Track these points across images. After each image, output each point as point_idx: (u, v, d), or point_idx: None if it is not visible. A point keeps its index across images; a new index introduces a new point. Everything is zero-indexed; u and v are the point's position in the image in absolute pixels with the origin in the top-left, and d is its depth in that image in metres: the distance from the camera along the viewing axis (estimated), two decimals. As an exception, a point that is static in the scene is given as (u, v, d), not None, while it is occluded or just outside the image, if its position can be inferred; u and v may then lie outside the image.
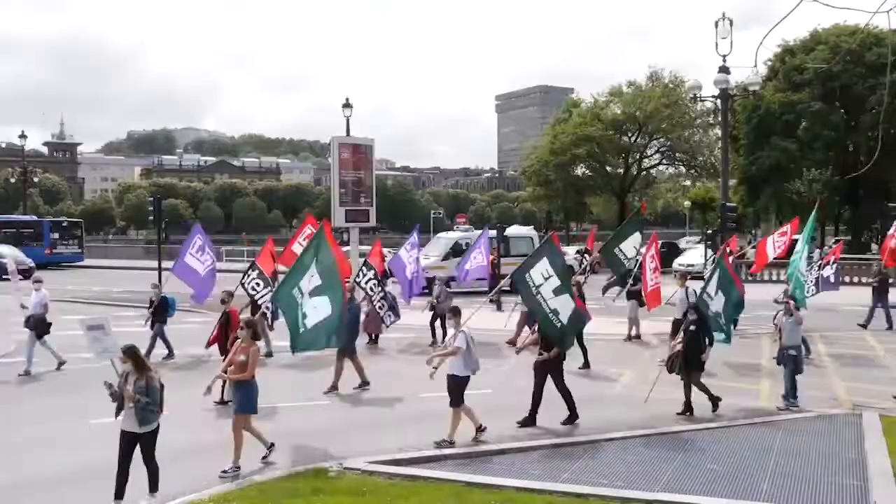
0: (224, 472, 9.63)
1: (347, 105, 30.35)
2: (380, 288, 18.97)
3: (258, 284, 17.88)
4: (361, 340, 17.61)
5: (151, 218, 32.00)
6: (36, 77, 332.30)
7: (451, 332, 11.72)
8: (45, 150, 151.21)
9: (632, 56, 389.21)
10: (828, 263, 22.29)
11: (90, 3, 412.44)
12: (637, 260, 19.32)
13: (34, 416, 12.84)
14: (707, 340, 12.98)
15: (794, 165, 48.49)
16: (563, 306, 12.15)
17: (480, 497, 8.80)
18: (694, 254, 41.66)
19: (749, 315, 23.78)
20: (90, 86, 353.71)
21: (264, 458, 10.16)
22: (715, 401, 12.98)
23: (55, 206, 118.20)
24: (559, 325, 12.06)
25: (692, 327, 12.90)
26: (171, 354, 17.64)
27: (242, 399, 9.99)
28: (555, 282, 12.17)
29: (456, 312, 11.79)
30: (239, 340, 10.30)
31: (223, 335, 14.07)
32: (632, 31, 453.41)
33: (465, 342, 11.08)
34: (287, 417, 12.48)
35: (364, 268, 19.13)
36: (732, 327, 14.90)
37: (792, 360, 13.29)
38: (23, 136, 53.23)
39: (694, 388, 12.98)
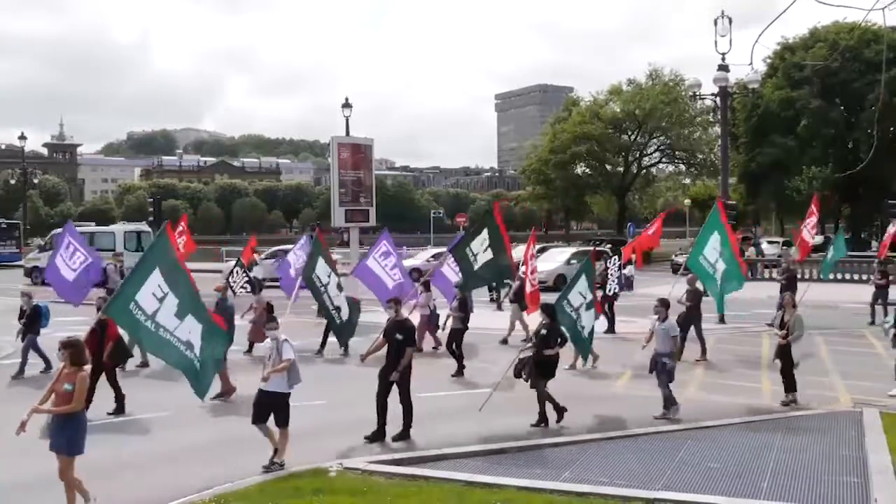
0: None
1: (347, 105, 30.40)
2: (249, 288, 18.08)
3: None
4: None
5: (152, 219, 32.03)
6: (35, 78, 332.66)
7: (268, 342, 10.25)
8: (44, 151, 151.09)
9: (631, 54, 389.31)
10: (628, 262, 22.50)
11: (89, 3, 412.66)
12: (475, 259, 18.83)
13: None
14: (560, 341, 12.41)
15: (794, 163, 48.50)
16: (340, 300, 13.05)
17: (481, 496, 8.79)
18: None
19: (749, 312, 23.88)
20: (89, 86, 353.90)
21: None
22: (560, 411, 12.16)
23: (55, 207, 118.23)
24: (339, 321, 12.86)
25: (543, 331, 12.27)
26: (48, 367, 15.70)
27: (71, 438, 8.15)
28: (335, 279, 12.68)
29: (272, 318, 10.89)
30: (61, 366, 8.45)
31: (96, 345, 12.32)
32: (631, 30, 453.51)
33: (293, 353, 10.00)
34: (304, 416, 12.44)
35: (238, 268, 18.46)
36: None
37: (664, 369, 12.63)
38: (22, 138, 53.34)
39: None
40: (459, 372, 16.02)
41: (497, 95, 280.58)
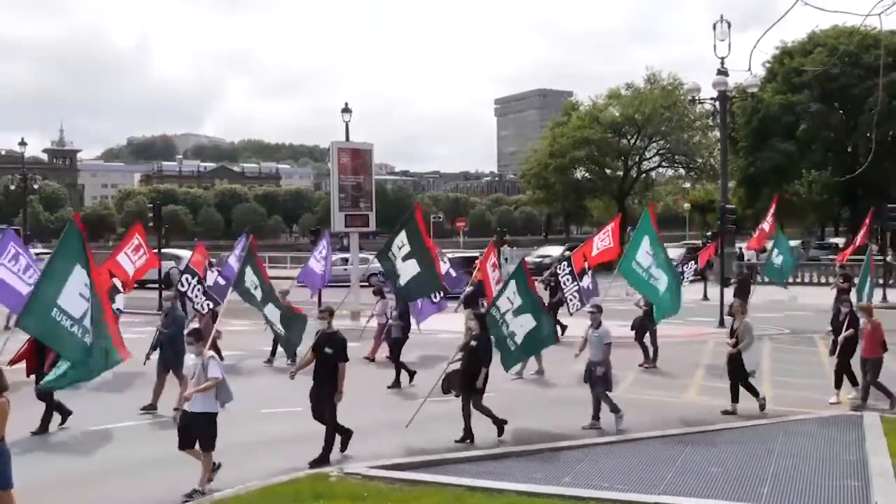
0: None
1: (347, 110, 30.41)
2: (204, 295, 17.17)
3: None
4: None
5: (151, 224, 32.01)
6: (35, 82, 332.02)
7: (191, 358, 9.62)
8: (44, 156, 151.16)
9: (631, 56, 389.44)
10: (582, 272, 20.08)
11: (88, 8, 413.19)
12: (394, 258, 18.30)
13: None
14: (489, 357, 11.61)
15: (794, 167, 48.53)
16: (272, 313, 12.25)
17: (482, 501, 8.80)
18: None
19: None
20: (89, 91, 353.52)
21: None
22: (500, 425, 11.58)
23: (55, 212, 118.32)
24: (281, 332, 12.11)
25: (473, 343, 11.56)
26: None
27: None
28: (263, 284, 12.27)
29: (198, 337, 9.83)
30: None
31: (36, 356, 12.07)
32: (631, 31, 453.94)
33: (220, 370, 9.40)
34: (286, 422, 12.45)
35: (188, 275, 17.41)
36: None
37: (600, 379, 12.14)
38: (22, 143, 53.25)
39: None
40: (397, 383, 15.33)
41: (497, 100, 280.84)
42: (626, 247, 15.66)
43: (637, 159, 65.02)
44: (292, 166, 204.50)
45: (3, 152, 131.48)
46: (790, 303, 28.47)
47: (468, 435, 11.36)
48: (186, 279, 17.21)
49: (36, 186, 64.96)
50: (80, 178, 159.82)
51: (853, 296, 14.68)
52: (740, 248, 44.13)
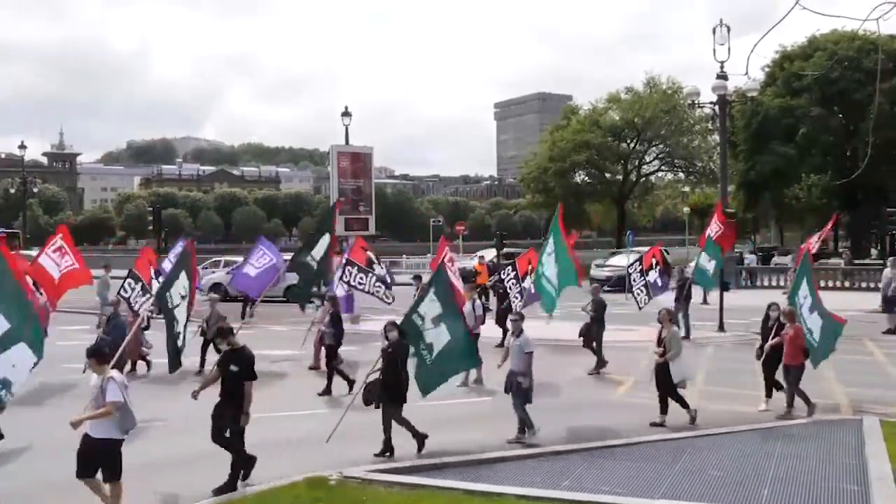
0: None
1: (346, 114, 30.43)
2: (144, 297, 16.54)
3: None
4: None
5: (151, 228, 32.07)
6: (35, 86, 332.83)
7: (92, 378, 8.66)
8: (44, 160, 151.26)
9: (631, 61, 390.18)
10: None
11: (89, 11, 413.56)
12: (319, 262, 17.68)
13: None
14: (404, 368, 10.97)
15: (793, 171, 48.54)
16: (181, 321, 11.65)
17: (480, 505, 8.79)
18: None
19: (747, 321, 23.85)
20: (89, 94, 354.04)
21: None
22: (421, 438, 11.05)
23: (55, 216, 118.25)
24: (180, 342, 11.11)
25: (390, 351, 11.01)
26: None
27: None
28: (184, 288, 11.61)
29: (101, 358, 8.65)
30: None
31: None
32: (631, 36, 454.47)
33: (121, 393, 8.39)
34: (285, 426, 12.45)
35: (131, 280, 16.90)
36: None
37: (519, 389, 11.59)
38: (22, 147, 53.30)
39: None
40: (328, 390, 14.87)
41: (496, 104, 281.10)
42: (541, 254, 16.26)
43: (637, 163, 65.14)
44: (292, 170, 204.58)
45: (3, 156, 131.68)
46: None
47: (387, 448, 10.89)
48: (129, 284, 16.62)
49: (35, 190, 64.99)
50: (79, 182, 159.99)
51: (783, 301, 14.21)
52: (740, 253, 44.17)
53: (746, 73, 15.51)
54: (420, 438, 11.04)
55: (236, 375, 9.59)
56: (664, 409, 12.62)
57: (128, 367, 16.09)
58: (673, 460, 10.61)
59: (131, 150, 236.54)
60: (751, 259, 43.29)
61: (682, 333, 21.27)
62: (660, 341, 12.80)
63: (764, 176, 50.05)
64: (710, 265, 20.09)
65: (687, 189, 71.62)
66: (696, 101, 31.74)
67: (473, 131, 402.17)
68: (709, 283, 20.20)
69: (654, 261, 21.21)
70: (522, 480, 9.69)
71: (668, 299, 20.51)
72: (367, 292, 18.58)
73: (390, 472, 9.98)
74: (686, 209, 74.72)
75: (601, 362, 17.20)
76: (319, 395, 14.82)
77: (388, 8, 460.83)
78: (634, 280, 20.61)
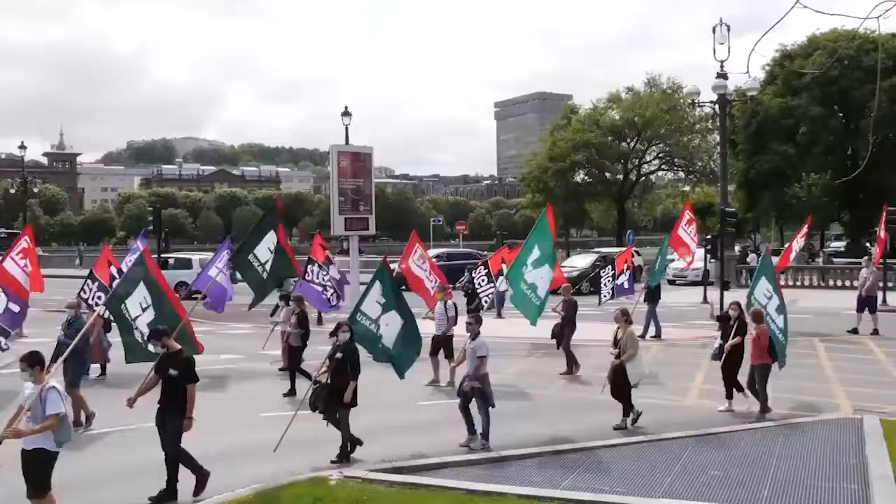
0: None
1: (346, 113, 30.46)
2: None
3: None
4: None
5: (151, 228, 32.04)
6: (35, 86, 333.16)
7: (29, 387, 8.05)
8: (44, 160, 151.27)
9: (631, 61, 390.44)
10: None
11: (89, 13, 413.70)
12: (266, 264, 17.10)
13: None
14: (353, 372, 10.68)
15: (793, 170, 48.51)
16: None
17: (481, 504, 8.79)
18: None
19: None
20: (89, 95, 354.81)
21: None
22: (354, 444, 10.82)
23: (55, 216, 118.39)
24: (141, 342, 10.43)
25: (339, 355, 10.68)
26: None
27: None
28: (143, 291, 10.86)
29: (32, 361, 8.05)
30: None
31: None
32: (631, 36, 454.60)
33: (62, 404, 7.90)
34: (285, 427, 12.43)
35: (90, 281, 16.50)
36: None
37: (478, 394, 11.20)
38: (22, 147, 53.31)
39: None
40: (292, 391, 14.58)
41: (496, 103, 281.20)
42: (518, 252, 14.65)
43: (637, 163, 65.17)
44: (292, 170, 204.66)
45: (4, 156, 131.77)
46: (789, 306, 28.42)
47: (345, 455, 10.69)
48: (87, 285, 16.24)
49: (36, 190, 65.05)
50: (80, 182, 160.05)
51: (743, 301, 14.08)
52: (742, 251, 44.12)
53: (747, 72, 15.51)
54: (354, 443, 10.77)
55: (176, 379, 9.24)
56: (626, 412, 12.37)
57: (97, 372, 15.91)
58: (673, 460, 10.61)
59: (131, 150, 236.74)
60: (752, 258, 43.25)
61: (653, 333, 21.39)
62: (616, 342, 12.49)
63: (764, 175, 50.02)
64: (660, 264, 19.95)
65: (687, 188, 71.60)
66: (696, 101, 31.79)
67: (474, 131, 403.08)
68: (656, 278, 20.04)
69: (625, 265, 21.50)
70: (523, 480, 9.70)
71: (629, 301, 20.44)
72: (326, 289, 18.31)
73: (391, 471, 9.99)
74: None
75: (570, 364, 16.78)
76: (284, 395, 14.60)
77: (389, 8, 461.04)
78: (605, 282, 20.76)
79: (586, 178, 65.79)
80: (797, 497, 9.21)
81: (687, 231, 21.34)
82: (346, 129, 30.27)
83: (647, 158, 65.79)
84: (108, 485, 9.78)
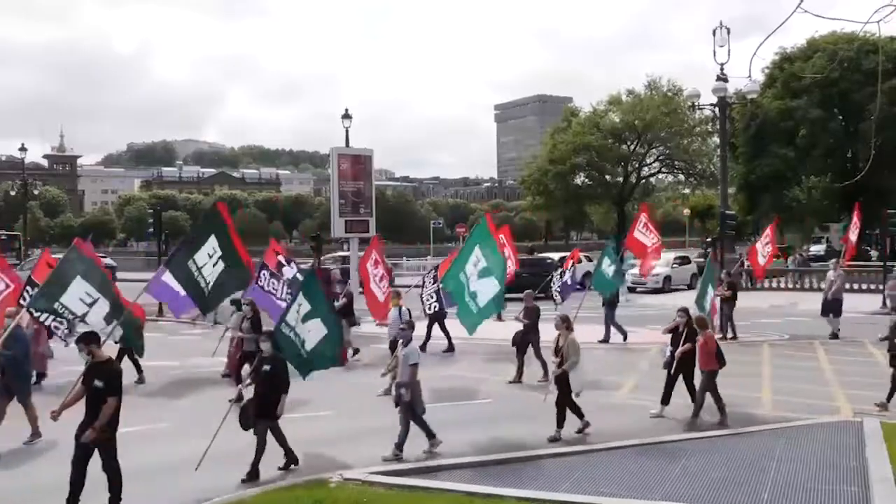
0: None
1: (347, 116, 30.47)
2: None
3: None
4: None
5: (152, 230, 32.08)
6: (35, 88, 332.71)
7: None
8: (45, 162, 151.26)
9: (631, 62, 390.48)
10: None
11: (89, 14, 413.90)
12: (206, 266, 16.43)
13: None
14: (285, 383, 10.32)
15: (793, 173, 48.56)
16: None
17: (481, 507, 8.79)
18: None
19: (748, 322, 23.89)
20: (90, 97, 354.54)
21: None
22: (293, 459, 10.46)
23: (55, 218, 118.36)
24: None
25: (267, 367, 10.30)
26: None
27: None
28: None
29: None
30: None
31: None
32: (632, 37, 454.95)
33: None
34: (286, 429, 12.42)
35: (29, 287, 16.03)
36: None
37: (408, 403, 10.88)
38: (23, 149, 53.32)
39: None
40: (240, 397, 14.52)
41: (496, 105, 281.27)
42: (454, 259, 13.86)
43: (637, 165, 65.18)
44: (292, 172, 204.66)
45: (4, 158, 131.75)
46: (789, 308, 28.49)
47: (291, 460, 10.42)
48: (27, 291, 15.75)
49: (36, 192, 65.19)
50: (80, 184, 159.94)
51: (693, 308, 13.89)
52: (740, 254, 44.10)
53: (749, 76, 15.53)
54: (292, 458, 10.46)
55: (100, 391, 8.70)
56: (560, 423, 11.89)
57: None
58: (673, 462, 10.61)
59: (132, 152, 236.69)
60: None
61: (603, 338, 21.14)
62: (557, 350, 12.09)
63: (764, 178, 50.09)
64: (609, 270, 19.33)
65: (687, 191, 71.71)
66: (696, 103, 31.80)
67: (474, 133, 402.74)
68: (608, 286, 19.45)
69: (571, 263, 21.84)
70: (523, 482, 9.69)
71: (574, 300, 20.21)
72: (279, 298, 17.11)
73: (391, 474, 9.99)
74: (686, 211, 74.84)
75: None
76: (230, 401, 14.27)
77: (389, 10, 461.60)
78: (554, 282, 21.02)
79: (586, 180, 65.82)
80: (797, 500, 9.20)
81: (643, 233, 20.75)
82: (347, 131, 30.30)
83: (648, 161, 65.83)
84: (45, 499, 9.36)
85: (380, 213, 36.19)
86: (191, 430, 10.61)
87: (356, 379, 16.36)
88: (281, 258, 18.82)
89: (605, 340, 21.26)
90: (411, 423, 10.97)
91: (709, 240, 33.56)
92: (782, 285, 37.21)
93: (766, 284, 36.65)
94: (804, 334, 22.50)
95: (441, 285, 15.56)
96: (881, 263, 31.48)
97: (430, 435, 11.14)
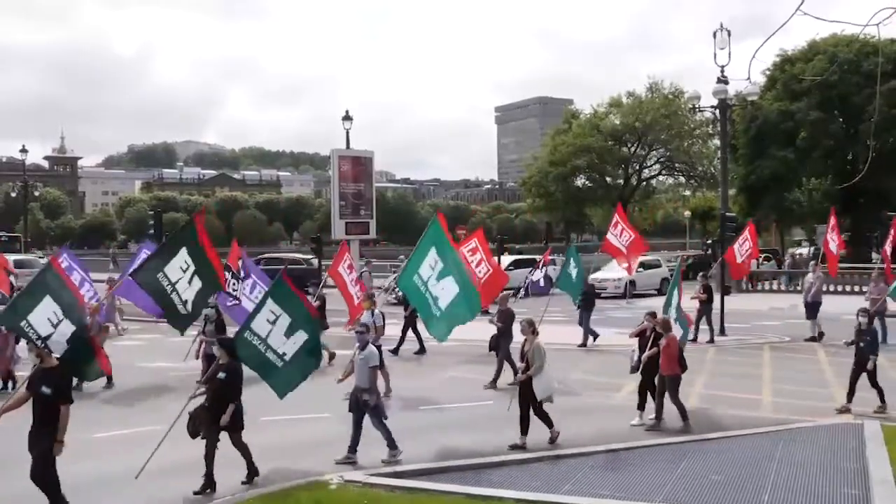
0: None
1: (347, 118, 30.48)
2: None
3: None
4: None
5: (152, 231, 32.11)
6: (36, 90, 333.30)
7: None
8: (45, 164, 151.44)
9: (632, 64, 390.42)
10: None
11: (90, 15, 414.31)
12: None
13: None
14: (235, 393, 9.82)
15: (794, 175, 48.57)
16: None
17: (481, 509, 8.80)
18: None
19: (748, 325, 23.90)
20: (90, 98, 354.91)
21: None
22: (254, 472, 10.01)
23: (56, 220, 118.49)
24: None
25: (222, 374, 9.84)
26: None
27: None
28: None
29: None
30: None
31: None
32: (633, 39, 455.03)
33: None
34: (287, 430, 12.45)
35: None
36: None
37: (370, 408, 10.72)
38: (23, 151, 53.41)
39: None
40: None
41: (497, 107, 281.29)
42: (408, 260, 13.15)
43: (637, 167, 65.16)
44: (293, 174, 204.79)
45: (4, 159, 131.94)
46: (790, 311, 28.48)
47: (209, 484, 9.63)
48: None
49: (37, 193, 65.25)
50: (80, 186, 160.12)
51: (660, 311, 13.77)
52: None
53: (748, 79, 15.51)
54: (253, 470, 9.98)
55: (49, 398, 8.42)
56: (524, 430, 11.57)
57: None
58: (674, 464, 10.61)
59: (132, 153, 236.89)
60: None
61: (592, 341, 20.92)
62: (523, 355, 11.79)
63: (764, 180, 50.08)
64: (573, 272, 19.12)
65: (688, 193, 71.67)
66: (696, 105, 31.81)
67: (474, 135, 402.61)
68: (573, 287, 19.22)
69: (542, 263, 22.33)
70: (523, 484, 9.70)
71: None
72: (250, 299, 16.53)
73: (391, 476, 10.00)
74: (687, 213, 74.81)
75: (498, 375, 15.94)
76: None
77: (389, 11, 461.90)
78: (526, 279, 21.97)
79: (587, 182, 65.81)
80: (798, 502, 9.20)
81: (615, 235, 20.38)
82: (347, 133, 30.32)
83: (648, 163, 65.80)
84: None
85: (380, 215, 36.27)
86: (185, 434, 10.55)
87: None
88: (240, 262, 17.74)
89: (586, 342, 21.03)
90: (368, 427, 10.67)
91: (709, 241, 33.52)
92: (778, 288, 37.10)
93: (766, 286, 36.64)
94: (804, 336, 22.50)
95: (394, 283, 15.22)
96: (881, 266, 31.48)
97: (392, 445, 10.79)
